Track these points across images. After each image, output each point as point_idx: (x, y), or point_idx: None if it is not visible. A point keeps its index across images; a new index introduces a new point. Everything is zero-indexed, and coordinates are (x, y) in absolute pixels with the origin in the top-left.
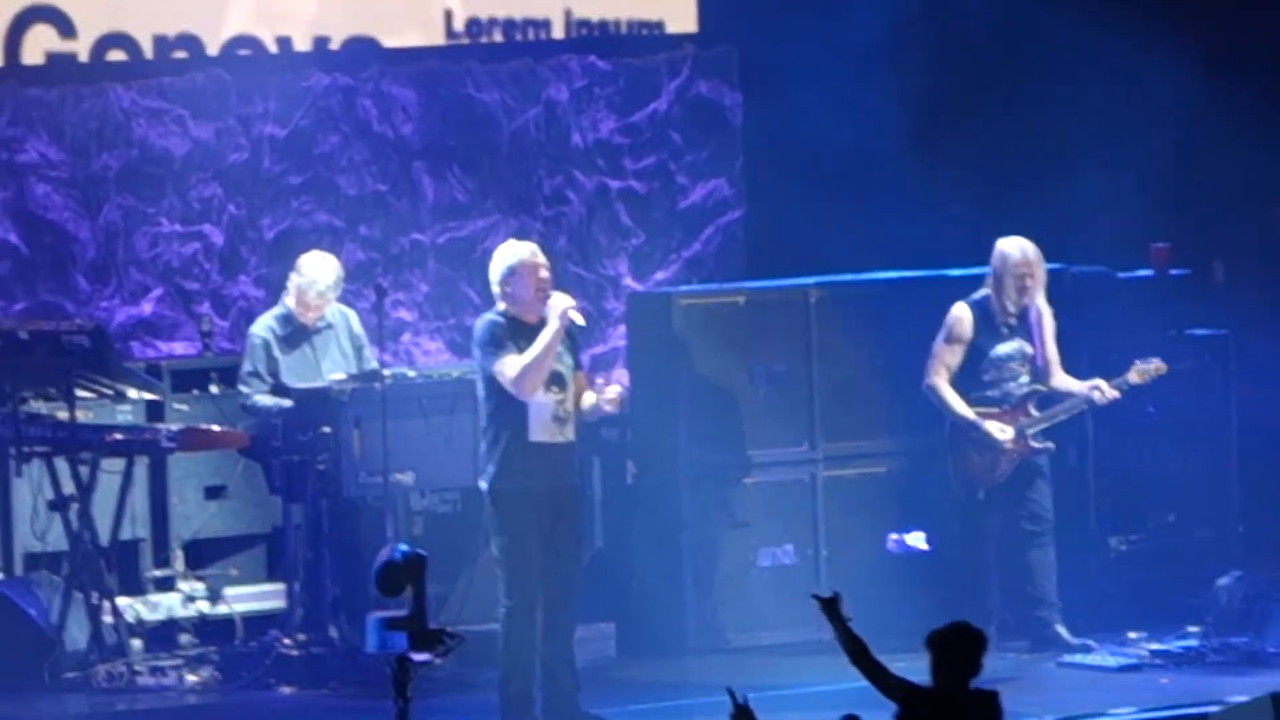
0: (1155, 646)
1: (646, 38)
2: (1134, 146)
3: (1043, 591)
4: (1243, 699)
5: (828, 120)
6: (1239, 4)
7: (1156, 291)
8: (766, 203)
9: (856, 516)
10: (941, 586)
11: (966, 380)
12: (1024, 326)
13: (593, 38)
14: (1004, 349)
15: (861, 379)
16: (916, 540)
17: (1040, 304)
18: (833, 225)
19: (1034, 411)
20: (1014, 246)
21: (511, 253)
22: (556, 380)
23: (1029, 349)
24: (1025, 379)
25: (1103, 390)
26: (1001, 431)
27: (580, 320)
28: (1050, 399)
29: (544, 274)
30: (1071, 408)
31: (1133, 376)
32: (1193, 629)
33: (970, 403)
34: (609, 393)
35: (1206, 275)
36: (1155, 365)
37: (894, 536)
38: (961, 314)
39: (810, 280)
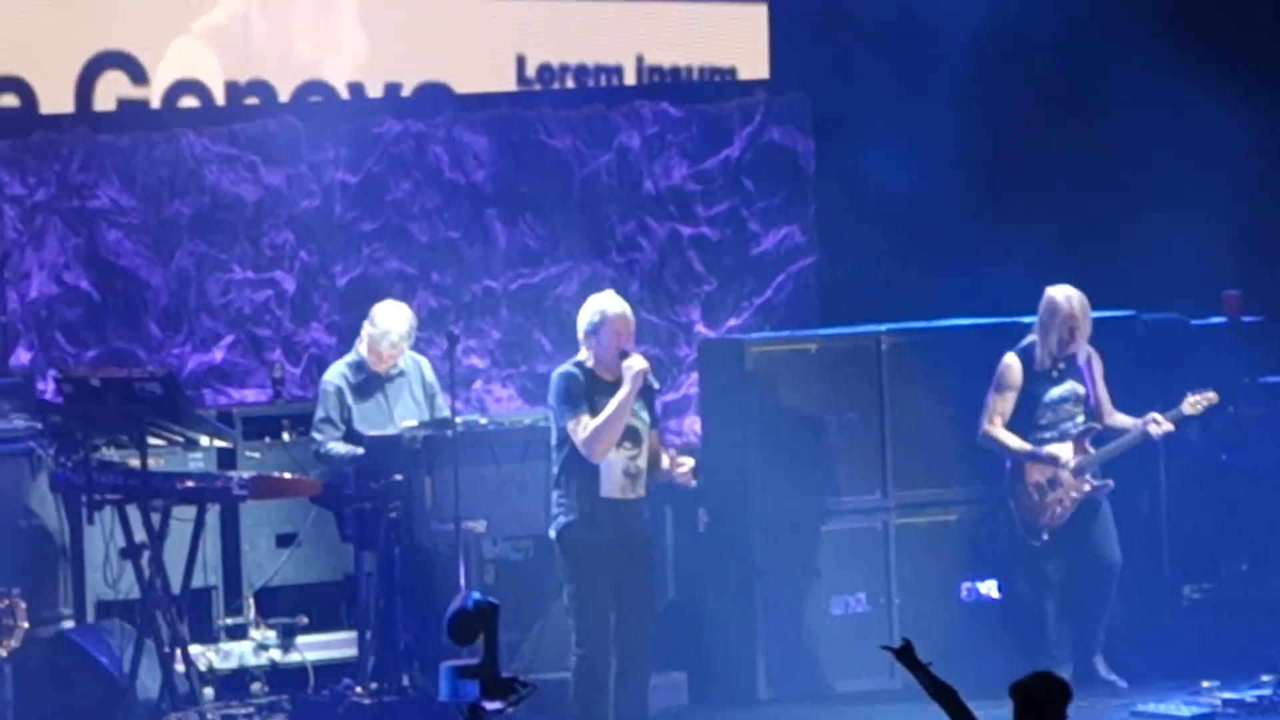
0: (1228, 695)
1: (718, 84)
2: (1206, 192)
3: (1091, 629)
4: None
5: (900, 166)
6: None
7: (1229, 338)
8: (839, 249)
9: (929, 564)
10: (1014, 634)
11: (1023, 426)
12: (1074, 368)
13: (665, 84)
14: (1057, 392)
15: (933, 426)
16: (988, 589)
17: (1088, 347)
18: (905, 272)
19: (1090, 449)
20: (1062, 295)
21: (604, 305)
22: (630, 436)
23: (1081, 390)
24: (1080, 419)
25: (1159, 423)
26: (1063, 451)
27: (655, 384)
28: (1105, 437)
29: (629, 335)
30: (1127, 442)
31: (1185, 408)
32: (1266, 678)
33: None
34: (683, 466)
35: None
36: (1207, 396)
37: (966, 584)
38: (1011, 362)
39: (882, 327)
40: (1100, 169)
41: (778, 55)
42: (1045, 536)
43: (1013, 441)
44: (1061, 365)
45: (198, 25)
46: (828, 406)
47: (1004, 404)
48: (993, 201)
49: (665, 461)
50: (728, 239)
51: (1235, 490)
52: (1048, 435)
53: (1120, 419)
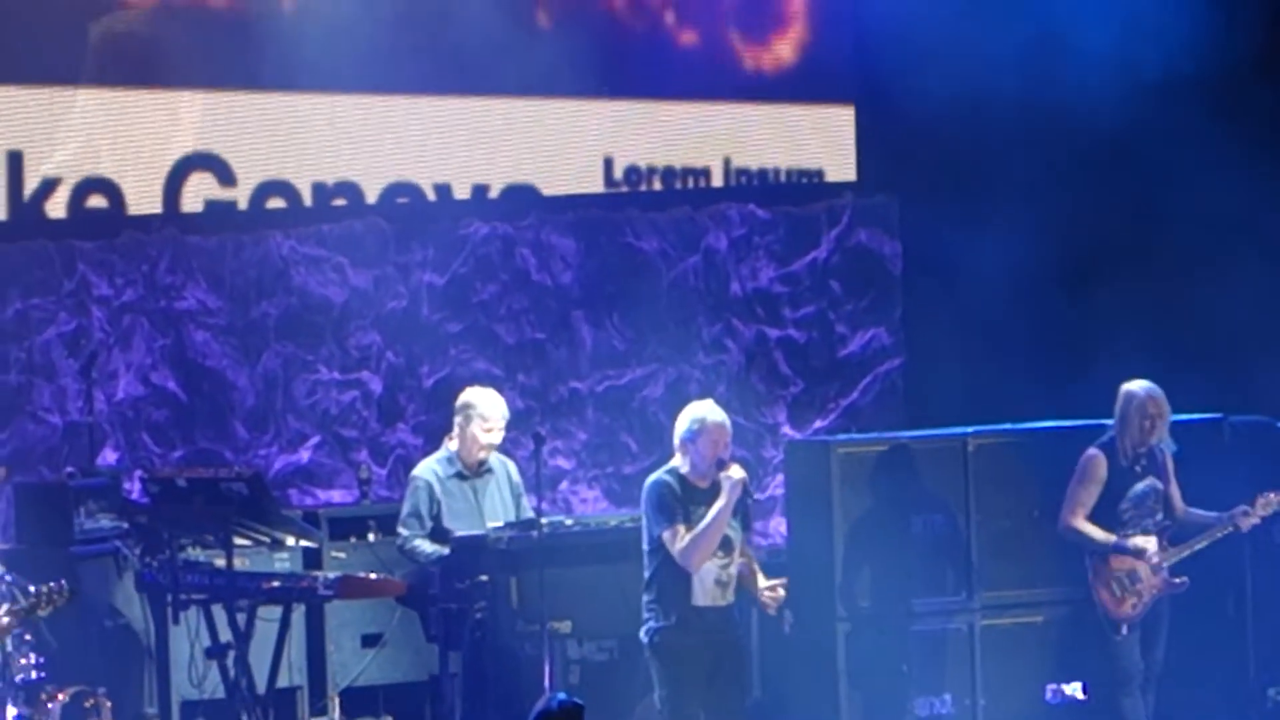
0: None
1: (805, 186)
2: None
3: None
4: None
5: (987, 269)
6: None
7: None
8: (926, 352)
9: (1014, 666)
10: None
11: (1107, 520)
12: (1155, 465)
13: (752, 186)
14: (1140, 487)
15: (1018, 528)
16: (1074, 690)
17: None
18: (992, 375)
19: (1168, 547)
20: (1139, 388)
21: (704, 414)
22: (724, 545)
23: (1160, 485)
24: (1160, 515)
25: (1248, 514)
26: (1148, 544)
27: (753, 494)
28: (1180, 535)
29: (726, 444)
30: (1208, 538)
31: (1259, 507)
32: None
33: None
34: (774, 595)
35: None
36: (1276, 497)
37: (1051, 686)
38: (1095, 455)
39: (969, 429)
40: (1187, 269)
41: (864, 158)
42: (1124, 630)
43: (1096, 534)
44: (1144, 461)
45: (285, 127)
46: (913, 508)
47: (1088, 497)
48: (1080, 305)
49: (756, 583)
50: (814, 341)
51: (1257, 602)
52: (1130, 531)
53: (1193, 513)
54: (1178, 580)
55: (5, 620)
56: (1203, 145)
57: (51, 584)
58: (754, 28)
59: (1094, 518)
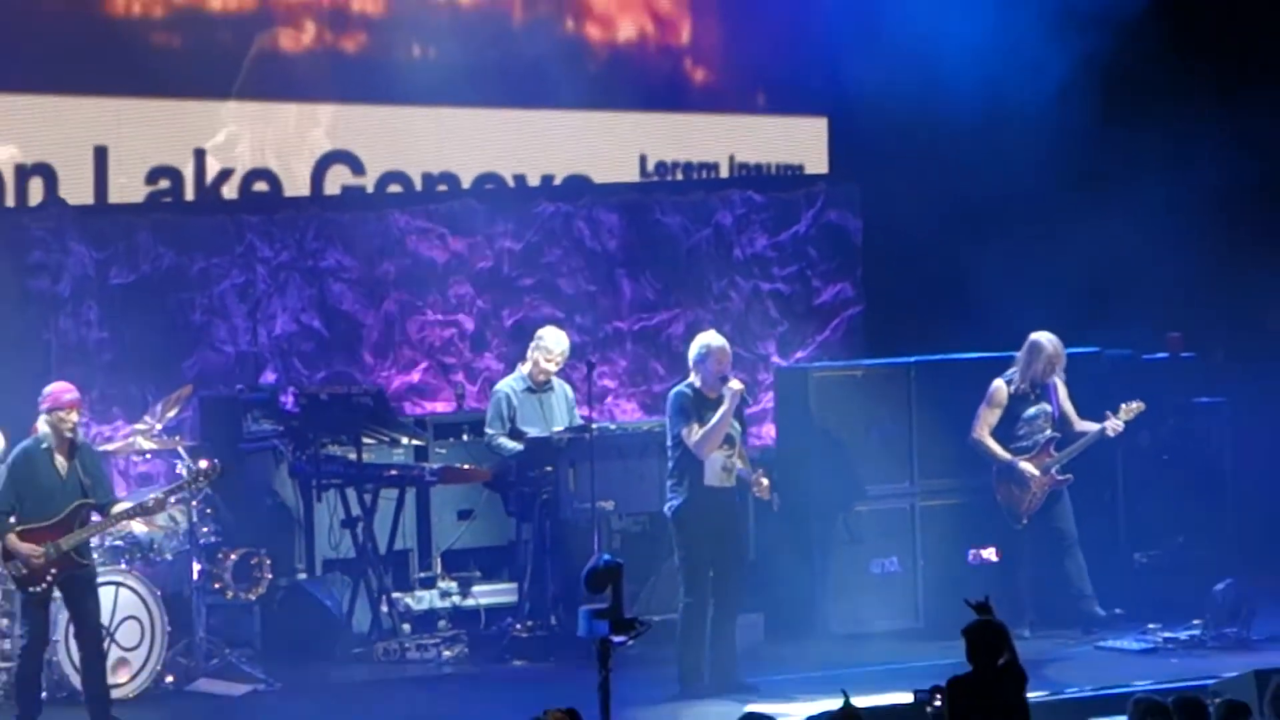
0: (1168, 635)
1: (790, 177)
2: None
3: (1079, 588)
4: (1233, 675)
5: (927, 238)
6: None
7: (1172, 369)
8: (879, 301)
9: (944, 536)
10: (1010, 590)
11: (1004, 435)
12: (1045, 392)
13: (750, 176)
14: (1031, 410)
15: (948, 433)
16: (990, 554)
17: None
18: (929, 317)
19: (1054, 453)
20: (1045, 339)
21: (709, 340)
22: (727, 440)
23: (1048, 408)
24: (1048, 431)
25: (1113, 423)
26: (1033, 468)
27: (749, 400)
28: (1065, 441)
29: (727, 363)
30: (1086, 442)
31: (1122, 414)
32: (1196, 622)
33: (1009, 451)
34: (762, 485)
35: (1210, 357)
36: (1137, 405)
37: (972, 551)
38: (1000, 386)
39: (911, 359)
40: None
41: (835, 155)
42: (1024, 521)
43: (999, 452)
44: (1037, 390)
45: (402, 131)
46: (870, 418)
47: (991, 417)
48: (1001, 263)
49: (749, 472)
50: (796, 293)
51: (1175, 483)
52: (1023, 444)
53: (1084, 424)
54: (1062, 478)
55: (167, 497)
56: (1106, 117)
57: (204, 463)
58: (749, 65)
59: (996, 433)
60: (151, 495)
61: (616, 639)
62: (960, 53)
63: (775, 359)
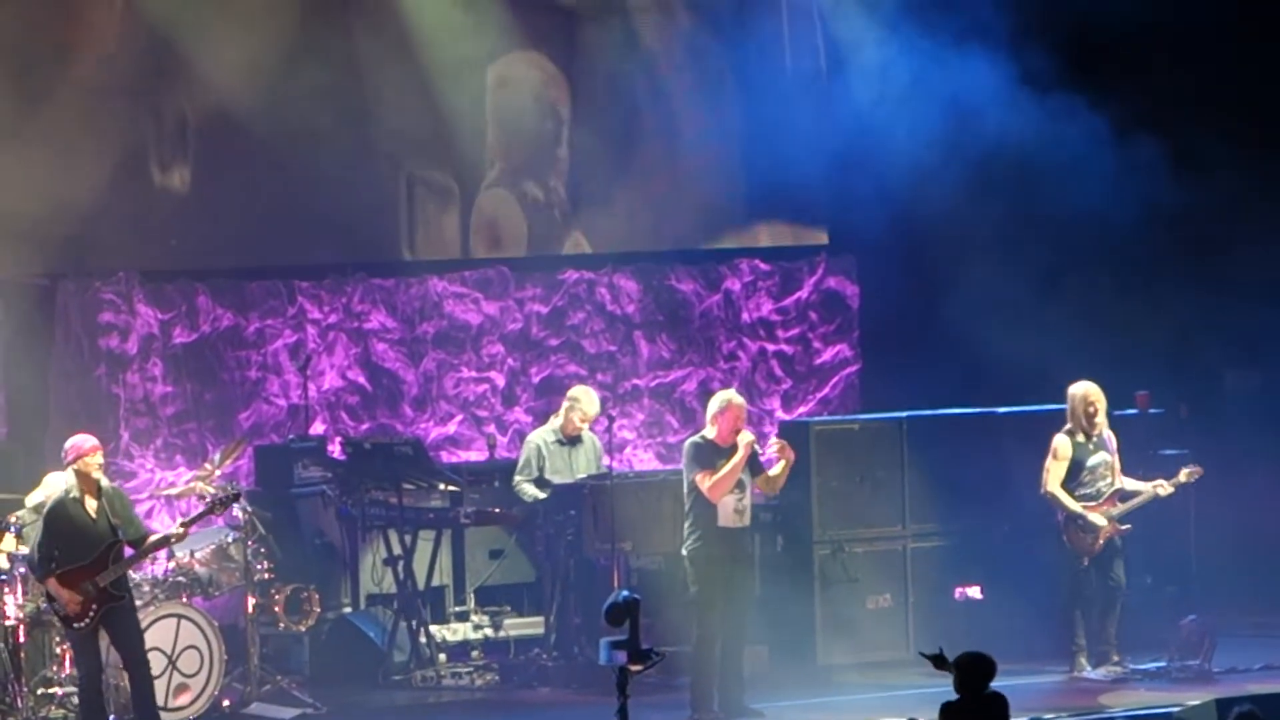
0: (1136, 666)
1: (793, 248)
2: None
3: (1110, 633)
4: (1195, 703)
5: (916, 304)
6: None
7: (1141, 424)
8: (875, 361)
9: (933, 574)
10: (992, 625)
11: (1069, 483)
12: (1103, 441)
13: (756, 248)
14: (1093, 460)
15: (936, 482)
16: (974, 592)
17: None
18: (919, 376)
19: (1119, 504)
20: (1079, 389)
21: (730, 397)
22: (739, 486)
23: (1109, 457)
24: (1110, 478)
25: (1165, 486)
26: (1100, 518)
27: (759, 450)
28: (1125, 494)
29: (743, 419)
30: (1145, 500)
31: (1181, 476)
32: (1162, 655)
33: (1074, 499)
34: (773, 447)
35: (1175, 413)
36: (1197, 469)
37: (959, 589)
38: (1062, 440)
39: (903, 414)
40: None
41: (834, 229)
42: (1085, 563)
43: (1070, 504)
44: (1094, 440)
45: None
46: (866, 468)
47: (1058, 470)
48: (983, 325)
49: (773, 471)
50: (799, 353)
51: (1143, 526)
52: (1087, 491)
53: (1129, 481)
54: (1123, 527)
55: (189, 526)
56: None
57: (227, 488)
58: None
59: (1065, 484)
60: (177, 525)
61: (634, 668)
62: (943, 156)
63: (779, 413)
